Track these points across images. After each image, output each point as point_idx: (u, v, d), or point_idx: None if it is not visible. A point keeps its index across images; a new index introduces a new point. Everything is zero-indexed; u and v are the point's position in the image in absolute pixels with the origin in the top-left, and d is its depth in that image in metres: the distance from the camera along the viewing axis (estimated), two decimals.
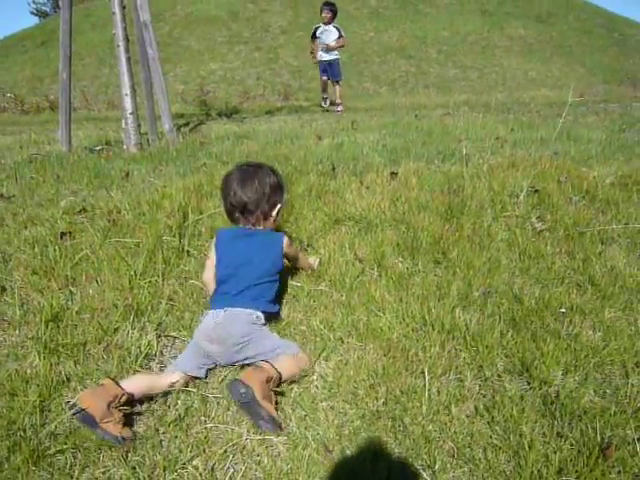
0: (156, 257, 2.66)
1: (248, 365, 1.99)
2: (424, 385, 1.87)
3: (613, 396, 1.84)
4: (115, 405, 1.73)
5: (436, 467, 1.59)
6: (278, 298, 2.34)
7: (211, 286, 2.26)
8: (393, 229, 3.01)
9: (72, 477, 1.58)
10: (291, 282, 2.55)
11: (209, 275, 2.29)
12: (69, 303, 2.38)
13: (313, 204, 3.32)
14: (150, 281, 2.49)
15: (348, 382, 1.92)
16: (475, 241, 2.84)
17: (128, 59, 4.95)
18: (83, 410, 1.67)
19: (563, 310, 2.27)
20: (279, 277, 2.27)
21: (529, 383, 1.91)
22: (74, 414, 1.70)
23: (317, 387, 1.91)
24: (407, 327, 2.18)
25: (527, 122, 6.05)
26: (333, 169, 3.97)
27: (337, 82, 10.42)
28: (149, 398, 1.89)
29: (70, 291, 2.46)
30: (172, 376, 1.93)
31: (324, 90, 10.97)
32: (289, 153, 4.51)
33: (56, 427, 1.74)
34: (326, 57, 10.36)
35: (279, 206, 2.31)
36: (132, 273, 2.52)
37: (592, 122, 6.25)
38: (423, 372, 1.92)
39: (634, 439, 1.63)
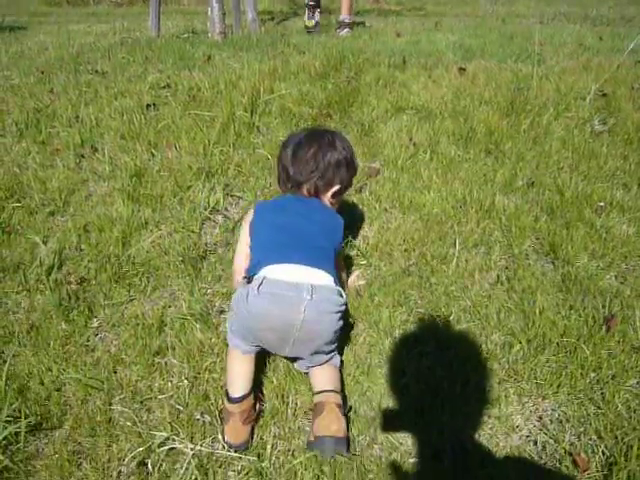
0: (228, 129, 2.91)
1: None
2: (454, 254, 2.06)
3: (631, 282, 1.95)
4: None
5: (451, 318, 1.80)
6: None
7: (240, 276, 1.62)
8: (452, 120, 3.09)
9: (145, 294, 1.93)
10: None
11: (239, 262, 1.73)
12: (151, 163, 2.69)
13: (379, 92, 3.43)
14: (222, 149, 2.76)
15: (386, 244, 2.13)
16: (530, 136, 2.89)
17: None
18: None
19: (602, 204, 2.35)
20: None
21: (553, 263, 2.05)
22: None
23: (358, 247, 2.13)
24: (448, 205, 2.34)
25: (621, 33, 5.68)
26: (404, 62, 4.03)
27: None
28: None
29: (152, 153, 2.78)
30: None
31: None
32: (364, 47, 4.56)
33: (134, 256, 2.08)
34: None
35: (336, 187, 1.74)
36: (206, 141, 2.79)
37: None
38: (455, 243, 2.10)
39: None
